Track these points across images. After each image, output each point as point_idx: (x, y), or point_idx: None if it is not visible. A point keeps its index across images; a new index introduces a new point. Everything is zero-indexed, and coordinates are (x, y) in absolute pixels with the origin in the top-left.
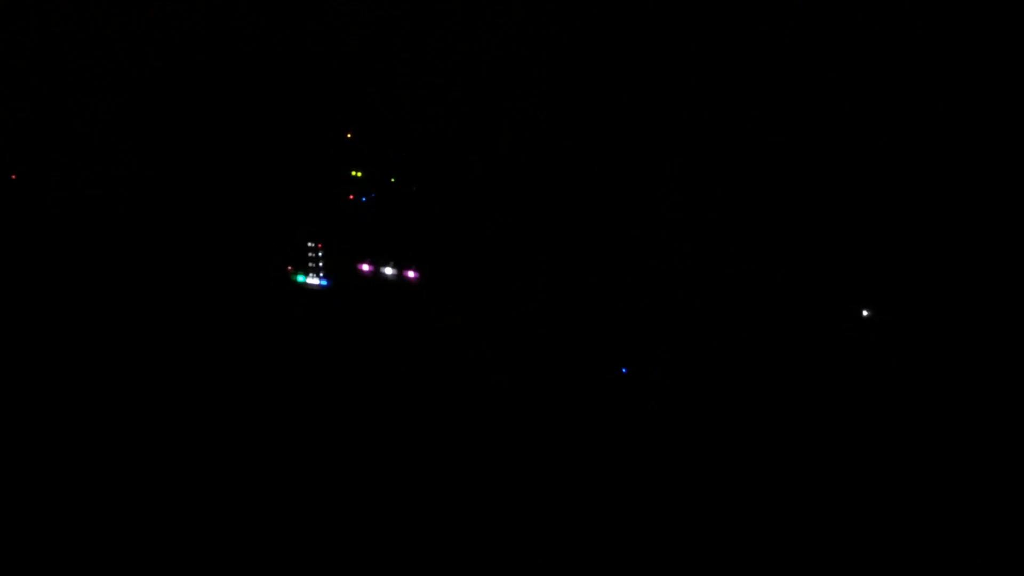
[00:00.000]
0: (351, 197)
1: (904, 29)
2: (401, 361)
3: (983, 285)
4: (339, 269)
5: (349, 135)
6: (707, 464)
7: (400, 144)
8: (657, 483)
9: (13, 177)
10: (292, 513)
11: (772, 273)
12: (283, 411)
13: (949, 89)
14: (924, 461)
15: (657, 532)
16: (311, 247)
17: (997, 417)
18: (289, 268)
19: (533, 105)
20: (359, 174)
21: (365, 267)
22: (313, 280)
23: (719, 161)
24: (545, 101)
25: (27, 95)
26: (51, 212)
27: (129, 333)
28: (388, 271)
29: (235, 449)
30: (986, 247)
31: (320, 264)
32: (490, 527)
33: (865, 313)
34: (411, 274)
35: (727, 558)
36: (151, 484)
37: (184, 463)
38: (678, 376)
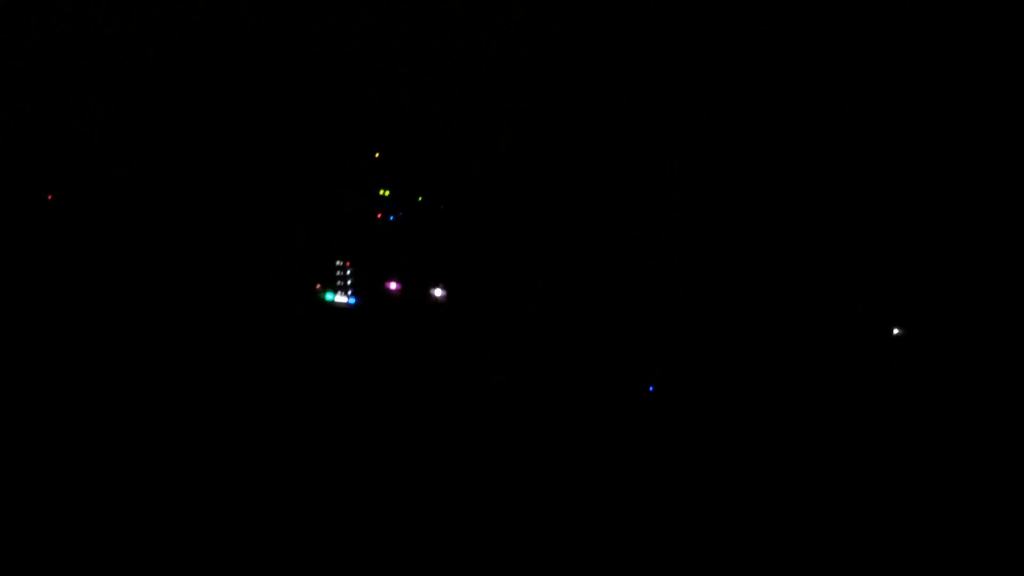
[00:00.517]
0: (379, 216)
1: (904, 29)
2: (424, 373)
3: (985, 285)
4: (367, 287)
5: (377, 155)
6: (707, 465)
7: (416, 153)
8: (657, 483)
9: (49, 198)
10: (309, 513)
11: (772, 273)
12: (309, 421)
13: (950, 89)
14: (926, 464)
15: (657, 532)
16: (339, 265)
17: (998, 419)
18: (318, 286)
19: (533, 105)
20: (387, 192)
21: (393, 285)
22: (341, 298)
23: (719, 161)
24: (545, 101)
25: (27, 95)
26: (84, 229)
27: (155, 351)
28: (435, 292)
29: (261, 460)
30: (987, 247)
31: (348, 282)
32: (496, 527)
33: (896, 331)
34: (438, 292)
35: (727, 558)
36: (170, 502)
37: (207, 481)
38: (678, 376)
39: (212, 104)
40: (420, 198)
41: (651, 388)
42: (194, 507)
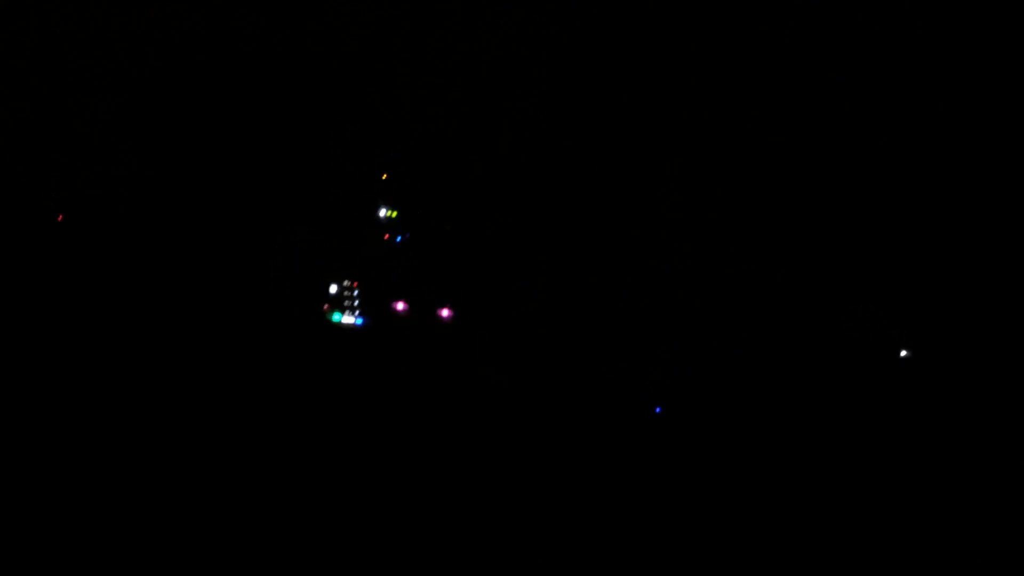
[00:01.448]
0: (386, 236)
1: (904, 29)
2: (433, 390)
3: (988, 289)
4: (375, 308)
5: (384, 176)
6: (708, 466)
7: (417, 154)
8: (658, 484)
9: (60, 218)
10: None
11: (773, 273)
12: (317, 438)
13: (951, 89)
14: (928, 467)
15: (657, 533)
16: (347, 286)
17: (998, 421)
18: (325, 307)
19: (533, 105)
20: (394, 214)
21: (400, 305)
22: (349, 319)
23: (719, 161)
24: (545, 101)
25: (27, 95)
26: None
27: (159, 370)
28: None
29: (262, 478)
30: (989, 248)
31: (356, 303)
32: (499, 528)
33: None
34: (445, 312)
35: (727, 559)
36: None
37: (209, 506)
38: (678, 377)
39: (211, 105)
40: (426, 214)
41: (657, 409)
42: (183, 531)
